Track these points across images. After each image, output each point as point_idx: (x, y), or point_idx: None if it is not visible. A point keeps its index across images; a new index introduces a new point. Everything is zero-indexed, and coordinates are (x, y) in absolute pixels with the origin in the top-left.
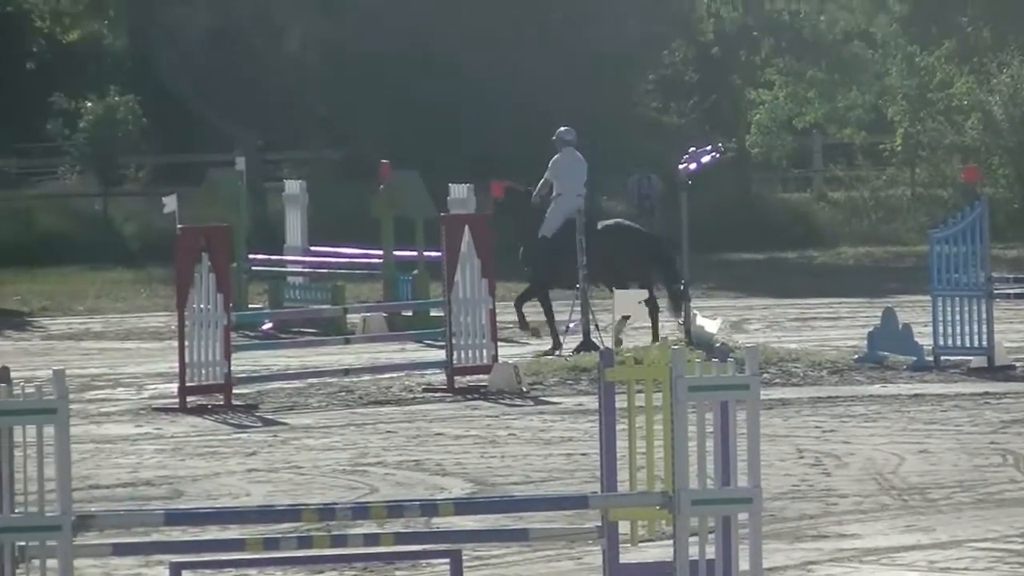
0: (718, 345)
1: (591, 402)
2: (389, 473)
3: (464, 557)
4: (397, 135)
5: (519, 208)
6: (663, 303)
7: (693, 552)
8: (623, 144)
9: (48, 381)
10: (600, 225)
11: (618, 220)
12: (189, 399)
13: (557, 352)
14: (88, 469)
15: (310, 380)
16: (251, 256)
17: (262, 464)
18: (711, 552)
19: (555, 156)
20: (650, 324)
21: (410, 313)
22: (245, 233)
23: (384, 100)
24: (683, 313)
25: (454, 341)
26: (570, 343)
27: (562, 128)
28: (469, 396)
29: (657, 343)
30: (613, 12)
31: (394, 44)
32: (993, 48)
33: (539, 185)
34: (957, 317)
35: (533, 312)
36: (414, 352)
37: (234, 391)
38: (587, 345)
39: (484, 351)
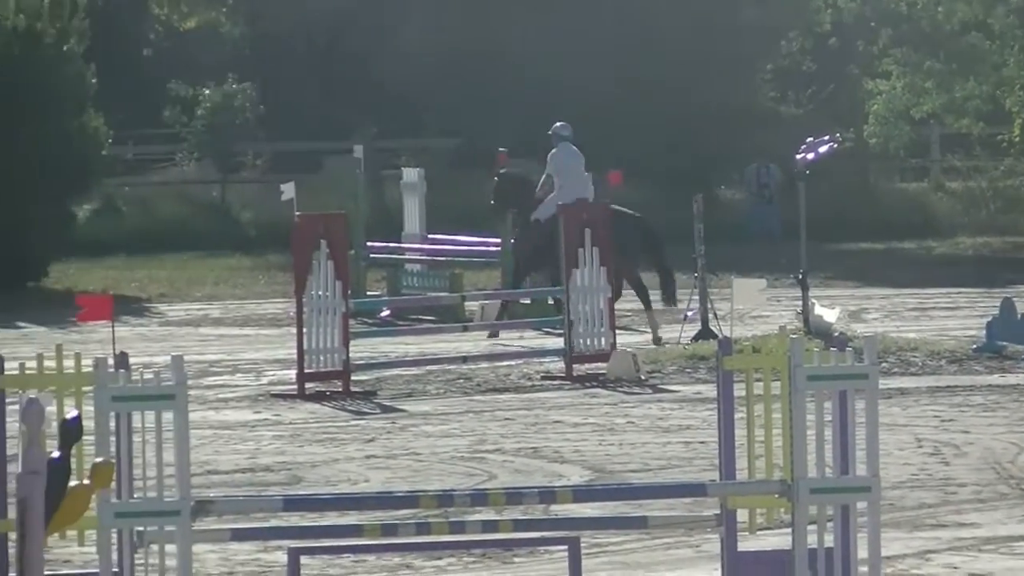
0: (836, 334)
1: (709, 390)
2: (507, 460)
3: (582, 544)
4: (514, 123)
5: (522, 198)
6: (656, 295)
7: (811, 540)
8: (741, 134)
9: (167, 367)
10: None
11: (615, 207)
12: (307, 385)
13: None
14: (207, 455)
15: (428, 367)
16: (369, 243)
17: (380, 450)
18: (829, 540)
19: (552, 151)
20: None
21: (528, 301)
22: (363, 220)
23: (502, 89)
24: (675, 301)
25: (572, 329)
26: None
27: (558, 123)
28: (587, 384)
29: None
30: (730, 3)
31: (510, 33)
32: None
33: (542, 181)
34: None
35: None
36: (532, 340)
37: (352, 378)
38: (706, 333)
39: (602, 339)
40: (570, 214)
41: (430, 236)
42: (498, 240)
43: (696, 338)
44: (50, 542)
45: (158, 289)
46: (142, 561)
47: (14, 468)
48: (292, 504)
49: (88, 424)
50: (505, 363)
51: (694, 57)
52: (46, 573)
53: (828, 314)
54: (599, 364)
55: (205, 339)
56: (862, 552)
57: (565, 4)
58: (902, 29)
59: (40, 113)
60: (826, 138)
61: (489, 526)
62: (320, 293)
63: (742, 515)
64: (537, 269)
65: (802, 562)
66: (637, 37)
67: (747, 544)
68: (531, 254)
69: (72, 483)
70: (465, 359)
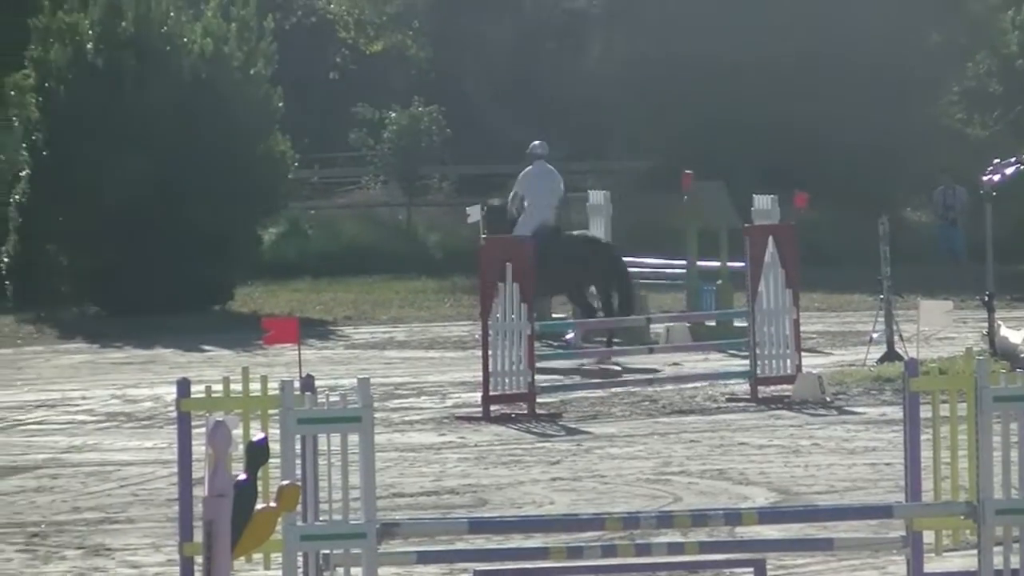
0: (1023, 356)
1: (895, 412)
2: (692, 482)
3: (768, 566)
4: (701, 146)
5: (498, 221)
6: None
7: (998, 562)
8: (928, 156)
9: (352, 390)
10: (565, 235)
11: (584, 232)
12: (492, 408)
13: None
14: (392, 477)
15: (613, 389)
16: None
17: (566, 473)
18: (1016, 562)
19: (526, 169)
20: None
21: (713, 323)
22: None
23: (688, 111)
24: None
25: (758, 351)
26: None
27: (535, 142)
28: (772, 406)
29: None
30: (915, 25)
31: (698, 56)
32: None
33: (510, 198)
34: None
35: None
36: (717, 362)
37: (538, 400)
38: (891, 355)
39: (788, 361)
40: (755, 235)
41: None
42: (683, 262)
43: (882, 360)
44: (236, 565)
45: (343, 312)
46: None
47: (200, 491)
48: (478, 526)
49: (274, 447)
50: (690, 385)
51: (883, 77)
52: None
53: (1014, 336)
54: (784, 386)
55: (390, 362)
56: None
57: (750, 25)
58: None
59: (227, 137)
60: (1012, 160)
61: (675, 548)
62: (505, 316)
63: (928, 536)
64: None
65: None
66: (825, 58)
67: (933, 565)
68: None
69: (258, 506)
70: (651, 381)
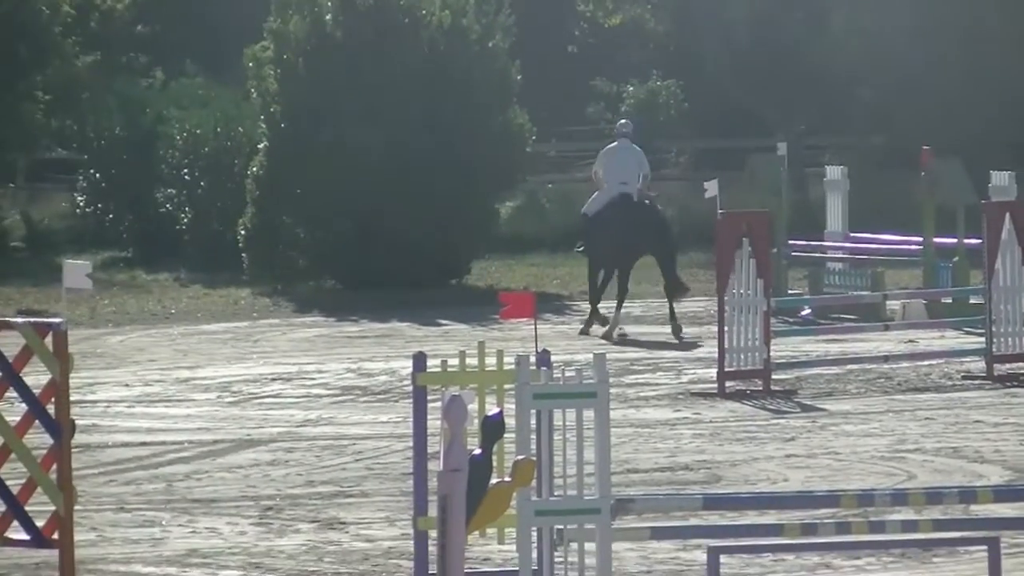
0: None
1: None
2: (927, 460)
3: (1002, 544)
4: (940, 122)
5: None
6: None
7: None
8: None
9: (588, 365)
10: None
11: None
12: (728, 384)
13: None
14: (626, 453)
15: (849, 366)
16: (791, 241)
17: (800, 450)
18: None
19: (608, 145)
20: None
21: (950, 300)
22: (785, 218)
23: (928, 87)
24: (678, 297)
25: (994, 328)
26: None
27: (620, 120)
28: (1008, 384)
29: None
30: None
31: (940, 33)
32: None
33: (592, 174)
34: None
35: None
36: (953, 339)
37: (773, 376)
38: None
39: None
40: (992, 212)
41: (852, 234)
42: (920, 239)
43: None
44: (470, 540)
45: (580, 286)
46: (561, 559)
47: (435, 465)
48: (712, 503)
49: (509, 422)
50: (926, 363)
51: None
52: (466, 571)
53: None
54: (1021, 364)
55: (624, 337)
56: None
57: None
58: None
59: (465, 110)
60: None
61: (909, 526)
62: (742, 291)
63: None
64: (603, 264)
65: None
66: None
67: None
68: (592, 251)
69: (493, 481)
70: (886, 358)
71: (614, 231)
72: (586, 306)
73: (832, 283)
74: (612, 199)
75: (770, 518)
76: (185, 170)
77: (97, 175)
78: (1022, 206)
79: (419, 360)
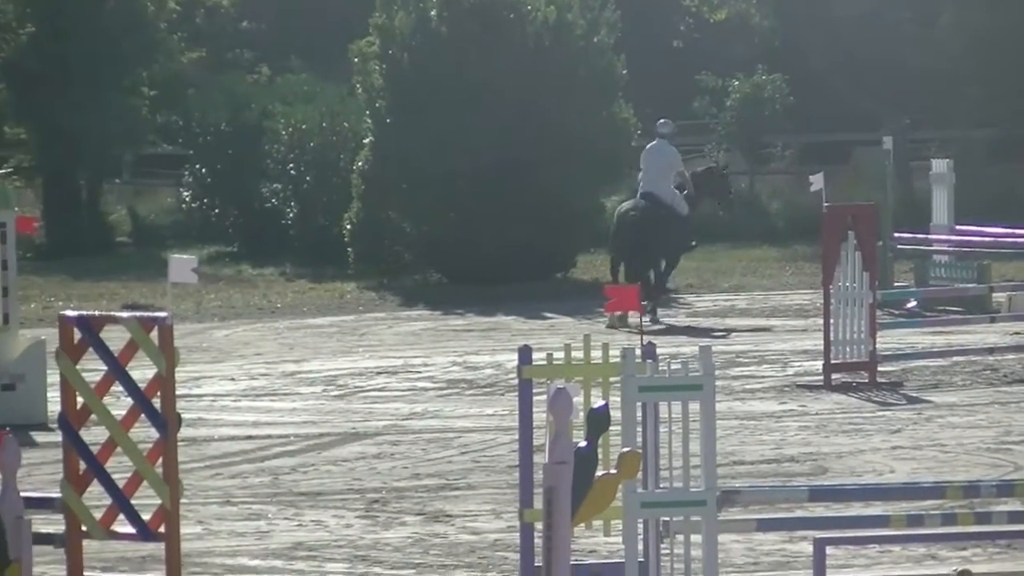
0: None
1: None
2: None
3: None
4: None
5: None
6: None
7: None
8: None
9: (694, 357)
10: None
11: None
12: (834, 376)
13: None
14: (732, 445)
15: (954, 358)
16: (897, 234)
17: (906, 441)
18: None
19: (647, 145)
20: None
21: None
22: (891, 212)
23: None
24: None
25: None
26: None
27: (659, 120)
28: None
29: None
30: None
31: None
32: None
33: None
34: None
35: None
36: None
37: (879, 369)
38: None
39: None
40: None
41: (958, 227)
42: None
43: None
44: (576, 532)
45: (686, 280)
46: (667, 551)
47: (540, 458)
48: (818, 494)
49: (615, 414)
50: None
51: None
52: (572, 563)
53: None
54: None
55: (732, 330)
56: None
57: None
58: None
59: (570, 105)
60: None
61: (1015, 517)
62: (847, 284)
63: None
64: (624, 259)
65: None
66: None
67: None
68: (616, 245)
69: (599, 473)
70: (992, 350)
71: (627, 231)
72: (683, 298)
73: (938, 275)
74: (635, 202)
75: (876, 509)
76: (291, 165)
77: (203, 170)
78: None
79: (525, 353)
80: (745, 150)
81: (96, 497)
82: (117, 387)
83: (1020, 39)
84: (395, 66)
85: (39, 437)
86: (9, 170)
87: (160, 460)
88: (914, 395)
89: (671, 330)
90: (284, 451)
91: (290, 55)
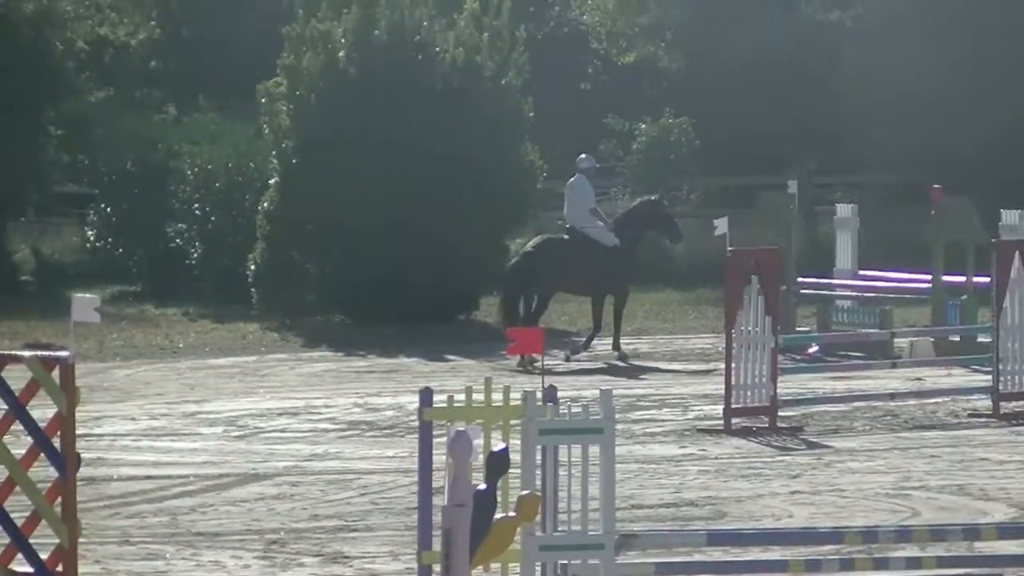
0: None
1: None
2: (932, 497)
3: None
4: (949, 160)
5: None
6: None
7: None
8: None
9: (594, 401)
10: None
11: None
12: (734, 420)
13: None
14: (631, 489)
15: (855, 403)
16: (800, 279)
17: (805, 486)
18: None
19: (568, 181)
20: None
21: (957, 338)
22: (795, 256)
23: (938, 126)
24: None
25: (1001, 367)
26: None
27: (580, 155)
28: (1015, 422)
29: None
30: None
31: (950, 72)
32: None
33: None
34: None
35: None
36: (960, 377)
37: (779, 413)
38: None
39: None
40: (1003, 250)
41: (861, 272)
42: (929, 276)
43: None
44: (474, 574)
45: (587, 323)
46: None
47: (440, 500)
48: (716, 539)
49: (515, 457)
50: (932, 400)
51: None
52: None
53: None
54: None
55: (633, 374)
56: None
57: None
58: None
59: (477, 146)
60: None
61: (913, 563)
62: (750, 328)
63: None
64: (523, 291)
65: None
66: None
67: None
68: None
69: (498, 515)
70: (893, 396)
71: (523, 262)
72: (594, 342)
73: (840, 320)
74: (545, 237)
75: (775, 554)
76: (196, 205)
77: (108, 209)
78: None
79: (426, 395)
80: (650, 193)
81: None
82: (17, 426)
83: (923, 82)
84: (302, 107)
85: None
86: None
87: (59, 499)
88: (814, 440)
89: (596, 370)
90: (183, 491)
91: (198, 95)
